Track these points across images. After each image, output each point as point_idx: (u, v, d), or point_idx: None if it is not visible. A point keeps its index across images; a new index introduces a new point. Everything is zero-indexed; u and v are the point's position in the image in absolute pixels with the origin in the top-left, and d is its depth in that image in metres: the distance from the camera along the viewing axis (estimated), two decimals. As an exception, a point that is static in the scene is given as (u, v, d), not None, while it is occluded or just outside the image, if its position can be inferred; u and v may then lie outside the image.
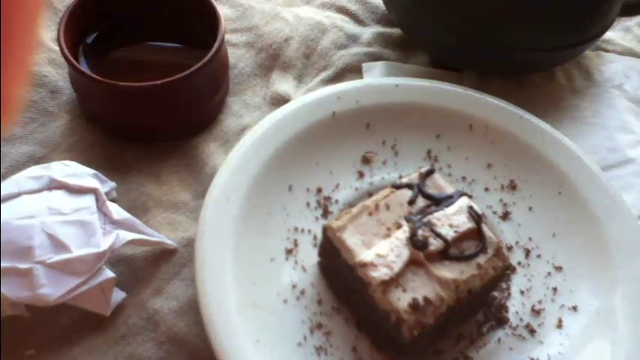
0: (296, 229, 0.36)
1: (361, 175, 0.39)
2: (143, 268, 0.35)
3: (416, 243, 0.31)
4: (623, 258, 0.35)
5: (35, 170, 0.34)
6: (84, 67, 0.38)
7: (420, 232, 0.31)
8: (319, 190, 0.38)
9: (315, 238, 0.36)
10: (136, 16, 0.42)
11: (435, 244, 0.31)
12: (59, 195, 0.33)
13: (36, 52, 0.40)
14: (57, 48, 0.41)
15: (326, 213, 0.37)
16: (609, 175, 0.40)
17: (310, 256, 0.35)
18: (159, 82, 0.36)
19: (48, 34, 0.44)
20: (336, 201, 0.38)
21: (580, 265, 0.36)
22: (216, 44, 0.38)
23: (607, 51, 0.49)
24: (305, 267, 0.35)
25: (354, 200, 0.38)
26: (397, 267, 0.30)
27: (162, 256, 0.35)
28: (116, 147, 0.39)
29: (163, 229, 0.36)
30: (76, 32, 0.39)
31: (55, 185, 0.33)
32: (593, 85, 0.46)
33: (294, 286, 0.34)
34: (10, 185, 0.33)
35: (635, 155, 0.42)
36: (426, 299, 0.30)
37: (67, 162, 0.34)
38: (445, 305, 0.30)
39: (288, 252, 0.35)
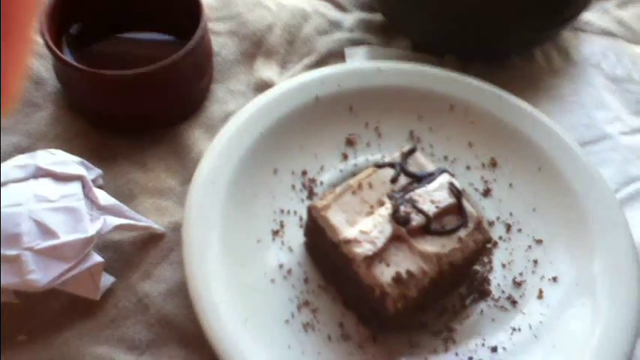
0: (282, 210, 0.37)
1: (345, 157, 0.40)
2: (131, 252, 0.35)
3: (398, 219, 0.31)
4: (601, 230, 0.36)
5: (21, 159, 0.34)
6: (68, 58, 0.38)
7: (402, 208, 0.32)
8: (304, 173, 0.39)
9: (300, 219, 0.37)
10: (119, 6, 0.42)
11: (416, 219, 0.32)
12: (45, 183, 0.33)
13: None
14: (40, 39, 0.41)
15: (311, 195, 0.38)
16: (587, 151, 0.41)
17: (296, 236, 0.36)
18: (143, 70, 0.36)
19: (30, 27, 0.44)
20: (321, 183, 0.39)
21: (559, 238, 0.37)
22: (198, 32, 0.38)
23: (585, 32, 0.50)
24: (291, 247, 0.36)
25: (339, 182, 0.38)
26: (380, 242, 0.31)
27: (150, 240, 0.36)
28: (102, 136, 0.40)
29: (151, 214, 0.37)
30: (59, 23, 0.39)
31: (41, 173, 0.34)
32: (572, 64, 0.47)
33: (280, 266, 0.35)
34: (-4, 174, 0.33)
35: (612, 131, 0.43)
36: (409, 273, 0.30)
37: (53, 150, 0.35)
38: (428, 278, 0.31)
39: (275, 233, 0.36)
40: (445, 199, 0.33)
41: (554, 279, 0.35)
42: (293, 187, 0.38)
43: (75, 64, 0.37)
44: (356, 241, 0.31)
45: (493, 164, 0.40)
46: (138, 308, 0.34)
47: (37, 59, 0.42)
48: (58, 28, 0.39)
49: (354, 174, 0.38)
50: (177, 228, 0.36)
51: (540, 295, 0.35)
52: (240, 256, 0.34)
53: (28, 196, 0.32)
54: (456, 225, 0.32)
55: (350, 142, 0.40)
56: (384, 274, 0.30)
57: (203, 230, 0.33)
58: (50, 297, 0.33)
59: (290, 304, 0.33)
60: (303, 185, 0.38)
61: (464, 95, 0.41)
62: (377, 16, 0.48)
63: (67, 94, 0.41)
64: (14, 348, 0.32)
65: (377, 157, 0.40)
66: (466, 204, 0.33)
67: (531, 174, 0.39)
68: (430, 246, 0.31)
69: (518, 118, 0.40)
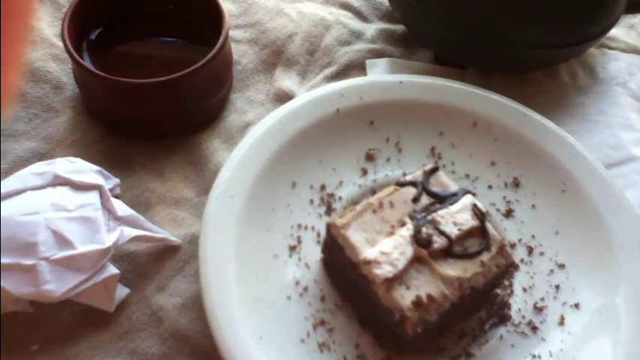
0: (299, 225, 0.36)
1: (365, 172, 0.39)
2: (147, 264, 0.35)
3: (420, 241, 0.31)
4: (626, 256, 0.35)
5: (39, 167, 0.34)
6: (87, 63, 0.38)
7: (423, 229, 0.31)
8: (323, 187, 0.38)
9: (318, 235, 0.36)
10: (140, 12, 0.42)
11: (438, 241, 0.31)
12: (63, 191, 0.33)
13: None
14: (60, 44, 0.41)
15: (329, 210, 0.37)
16: (612, 173, 0.40)
17: (314, 252, 0.35)
18: (162, 78, 0.36)
19: (51, 30, 0.44)
20: (340, 198, 0.38)
21: (583, 263, 0.36)
22: (220, 41, 0.38)
23: (611, 48, 0.49)
24: (308, 264, 0.35)
25: (358, 197, 0.38)
26: (401, 264, 0.30)
27: (165, 252, 0.35)
28: (119, 143, 0.39)
29: (167, 225, 0.36)
30: (80, 28, 0.39)
31: (59, 182, 0.33)
32: (597, 82, 0.46)
33: (297, 283, 0.34)
34: (14, 182, 0.33)
35: (639, 153, 0.42)
36: (430, 297, 0.30)
37: (72, 158, 0.35)
38: (448, 303, 0.30)
39: (292, 249, 0.35)
40: (468, 221, 0.32)
41: (577, 305, 0.34)
42: (311, 201, 0.37)
43: (94, 70, 0.37)
44: (376, 262, 0.30)
45: (516, 184, 0.39)
46: (152, 321, 0.33)
47: (56, 64, 0.42)
48: (78, 32, 0.39)
49: (373, 190, 0.38)
50: (193, 240, 0.36)
51: (562, 322, 0.34)
52: (257, 272, 0.34)
53: (46, 204, 0.32)
54: (478, 248, 0.31)
55: (370, 157, 0.40)
56: (404, 297, 0.30)
57: (219, 244, 0.33)
58: (64, 307, 0.33)
59: (306, 323, 0.33)
60: (322, 200, 0.38)
61: (487, 112, 0.40)
62: (399, 28, 0.48)
63: (85, 100, 0.40)
64: (27, 357, 0.32)
65: (397, 173, 0.39)
66: (489, 227, 0.32)
67: (555, 195, 0.38)
68: (452, 269, 0.31)
69: (543, 137, 0.39)
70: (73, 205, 0.32)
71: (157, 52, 0.42)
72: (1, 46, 0.14)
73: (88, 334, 0.32)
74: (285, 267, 0.35)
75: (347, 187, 0.38)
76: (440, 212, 0.32)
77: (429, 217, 0.32)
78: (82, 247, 0.31)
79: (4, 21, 0.14)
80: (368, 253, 0.31)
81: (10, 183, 0.33)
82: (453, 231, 0.31)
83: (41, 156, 0.38)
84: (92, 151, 0.39)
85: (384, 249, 0.31)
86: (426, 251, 0.31)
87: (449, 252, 0.31)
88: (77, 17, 0.39)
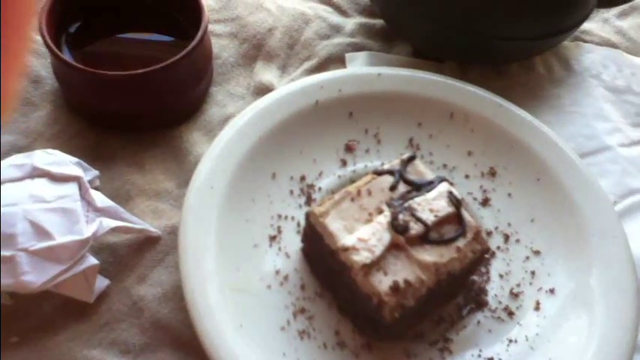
0: (279, 216, 0.37)
1: (344, 163, 0.40)
2: (127, 255, 0.35)
3: (397, 227, 0.31)
4: (599, 242, 0.36)
5: (17, 159, 0.34)
6: (66, 57, 0.38)
7: (400, 216, 0.32)
8: (302, 178, 0.38)
9: (298, 225, 0.37)
10: (119, 6, 0.42)
11: (415, 228, 0.31)
12: (42, 183, 0.33)
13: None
14: (39, 38, 0.41)
15: (309, 201, 0.38)
16: (587, 162, 0.41)
17: (294, 242, 0.36)
18: (141, 70, 0.36)
19: (30, 24, 0.44)
20: (320, 189, 0.38)
21: (557, 249, 0.36)
22: (199, 33, 0.38)
23: (585, 41, 0.50)
24: (288, 253, 0.35)
25: (337, 188, 0.38)
26: (378, 251, 0.31)
27: (145, 243, 0.36)
28: (99, 136, 0.39)
29: (147, 217, 0.36)
30: (58, 21, 0.39)
31: (37, 173, 0.33)
32: (572, 74, 0.47)
33: (277, 272, 0.35)
34: (-9, 173, 0.33)
35: (612, 142, 0.43)
36: (407, 282, 0.30)
37: (50, 150, 0.35)
38: (425, 287, 0.30)
39: (272, 239, 0.36)
40: (444, 208, 0.32)
41: (552, 290, 0.35)
42: (291, 192, 0.38)
43: (73, 63, 0.37)
44: (354, 249, 0.31)
45: (492, 173, 0.40)
46: (132, 312, 0.33)
47: (35, 58, 0.42)
48: (57, 26, 0.39)
49: (352, 180, 0.38)
50: (173, 231, 0.36)
51: (537, 307, 0.34)
52: (237, 261, 0.34)
53: (24, 196, 0.32)
54: (454, 234, 0.32)
55: (349, 148, 0.40)
56: (382, 282, 0.30)
57: (199, 234, 0.33)
58: (44, 299, 0.33)
59: (286, 311, 0.33)
60: (302, 191, 0.38)
61: (464, 103, 0.41)
62: (378, 22, 0.48)
63: (65, 94, 0.40)
64: (6, 350, 0.31)
65: (376, 163, 0.39)
66: (465, 213, 0.33)
67: (531, 184, 0.39)
68: (428, 255, 0.31)
69: (519, 128, 0.40)
70: (51, 197, 0.32)
71: (136, 46, 0.42)
72: (1, 52, 0.15)
73: (68, 325, 0.33)
74: (265, 256, 0.35)
75: (327, 178, 0.39)
76: (416, 199, 0.32)
77: (406, 205, 0.32)
78: (60, 238, 0.31)
79: (4, 25, 0.14)
80: (346, 240, 0.31)
81: (-13, 175, 0.33)
82: (429, 217, 0.32)
83: (20, 149, 0.38)
84: (72, 145, 0.39)
85: (361, 236, 0.31)
86: (403, 238, 0.31)
87: (425, 238, 0.32)
88: (55, 10, 0.38)
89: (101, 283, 0.33)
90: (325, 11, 0.48)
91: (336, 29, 0.47)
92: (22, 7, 0.15)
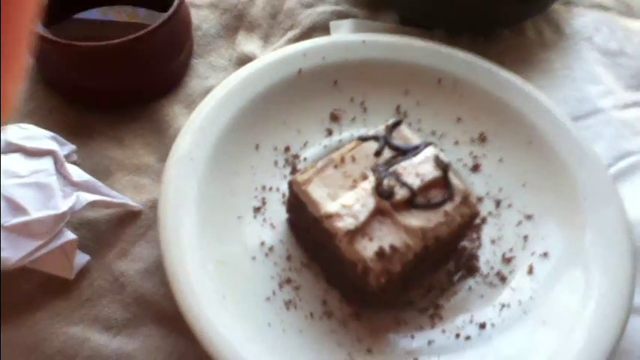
0: (264, 187, 0.36)
1: (330, 132, 0.39)
2: (107, 230, 0.34)
3: (382, 192, 0.30)
4: (593, 205, 0.35)
5: (-10, 134, 0.33)
6: (40, 31, 0.37)
7: (385, 181, 0.31)
8: (287, 149, 0.37)
9: (283, 196, 0.36)
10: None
11: (401, 193, 0.31)
12: (16, 158, 0.32)
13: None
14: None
15: (294, 171, 0.37)
16: (579, 126, 0.40)
17: (279, 213, 0.35)
18: (117, 40, 0.35)
19: None
20: (305, 159, 0.37)
21: (550, 213, 0.35)
22: (175, 2, 0.37)
23: (577, 5, 0.48)
24: (274, 224, 0.35)
25: (323, 158, 0.37)
26: (363, 216, 0.30)
27: (126, 218, 0.35)
28: (77, 112, 0.38)
29: (128, 192, 0.35)
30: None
31: (11, 149, 0.32)
32: (563, 38, 0.46)
33: (262, 243, 0.34)
34: (-37, 149, 0.32)
35: (605, 105, 0.42)
36: (392, 247, 0.29)
37: (24, 125, 0.34)
38: (412, 252, 0.29)
39: (256, 210, 0.35)
40: (430, 172, 0.31)
41: (545, 254, 0.34)
42: (275, 163, 0.37)
43: (48, 36, 0.36)
44: (338, 216, 0.30)
45: (482, 139, 0.39)
46: (114, 287, 0.32)
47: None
48: None
49: (338, 150, 0.37)
50: (154, 205, 0.35)
51: (530, 271, 0.34)
52: (220, 233, 0.33)
53: (-3, 171, 0.31)
54: (441, 199, 0.31)
55: (335, 118, 0.39)
56: (367, 248, 0.29)
57: (180, 207, 0.32)
58: (22, 276, 0.32)
59: (271, 282, 0.32)
60: (286, 161, 0.37)
61: (452, 68, 0.40)
62: (364, -10, 0.47)
63: (40, 69, 0.39)
64: (-15, 329, 0.31)
65: (362, 132, 0.38)
66: (452, 177, 0.32)
67: (522, 149, 0.38)
68: (415, 220, 0.30)
69: (508, 92, 0.39)
70: (25, 172, 0.31)
71: (113, 19, 0.41)
72: (0, 56, 0.14)
73: (48, 302, 0.32)
74: (249, 228, 0.34)
75: (312, 148, 0.38)
76: (402, 164, 0.31)
77: (391, 170, 0.31)
78: (36, 213, 0.30)
79: (4, 29, 0.14)
80: (329, 207, 0.30)
81: (-41, 151, 0.32)
82: (415, 182, 0.31)
83: (-5, 126, 0.37)
84: (49, 121, 0.37)
85: (345, 202, 0.30)
86: (389, 203, 0.30)
87: (412, 203, 0.31)
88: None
89: (81, 259, 0.33)
90: (308, -20, 0.47)
91: (320, -2, 0.46)
92: (22, 7, 0.15)
